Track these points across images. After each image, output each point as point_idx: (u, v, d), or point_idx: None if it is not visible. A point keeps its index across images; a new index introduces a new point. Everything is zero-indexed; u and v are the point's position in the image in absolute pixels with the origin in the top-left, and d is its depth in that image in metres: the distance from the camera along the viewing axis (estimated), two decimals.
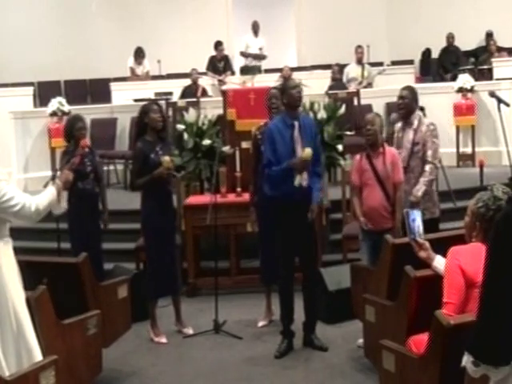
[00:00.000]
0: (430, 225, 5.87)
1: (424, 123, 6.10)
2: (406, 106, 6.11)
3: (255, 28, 13.57)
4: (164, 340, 6.21)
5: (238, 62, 13.73)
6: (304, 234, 5.75)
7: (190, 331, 6.33)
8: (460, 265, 3.74)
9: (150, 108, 6.14)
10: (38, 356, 3.88)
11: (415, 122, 6.10)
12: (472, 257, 3.69)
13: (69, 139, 6.72)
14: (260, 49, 13.48)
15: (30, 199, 4.02)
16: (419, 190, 5.97)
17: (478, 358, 2.64)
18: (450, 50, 13.98)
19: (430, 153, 6.03)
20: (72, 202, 6.62)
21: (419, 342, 4.08)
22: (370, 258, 5.74)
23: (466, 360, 2.70)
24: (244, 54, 13.58)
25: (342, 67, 12.23)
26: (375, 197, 5.81)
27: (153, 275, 6.20)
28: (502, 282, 2.60)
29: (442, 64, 13.92)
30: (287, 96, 5.71)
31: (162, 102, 9.47)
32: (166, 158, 6.01)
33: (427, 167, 6.02)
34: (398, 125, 6.24)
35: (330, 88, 11.06)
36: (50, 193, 4.18)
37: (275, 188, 5.68)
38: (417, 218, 3.92)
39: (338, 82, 11.72)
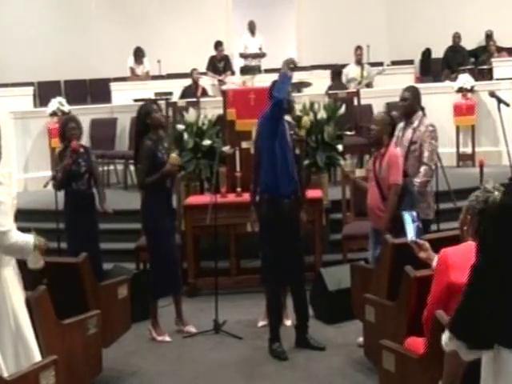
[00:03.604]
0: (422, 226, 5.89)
1: (423, 123, 6.11)
2: (406, 107, 6.16)
3: (251, 27, 13.54)
4: (168, 338, 6.23)
5: (237, 62, 13.73)
6: (296, 235, 5.83)
7: (192, 329, 6.35)
8: (449, 276, 3.77)
9: (151, 108, 6.17)
10: (36, 356, 3.88)
11: (416, 122, 6.13)
12: (463, 260, 3.70)
13: (62, 140, 6.76)
14: (259, 48, 13.45)
15: (14, 231, 3.89)
16: None
17: (459, 336, 2.66)
18: (457, 49, 13.93)
19: (426, 154, 6.02)
20: (67, 203, 6.65)
21: (415, 344, 4.09)
22: (372, 254, 5.84)
23: (444, 338, 2.74)
24: (243, 55, 13.57)
25: (341, 67, 12.23)
26: (372, 196, 5.86)
27: (156, 275, 6.23)
28: (493, 268, 2.62)
29: (447, 63, 13.85)
30: None
31: (162, 102, 9.50)
32: (174, 155, 6.07)
33: (422, 169, 6.01)
34: (401, 124, 6.25)
35: (329, 88, 11.06)
36: (27, 242, 4.01)
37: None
38: (415, 219, 3.92)
39: (336, 83, 11.70)
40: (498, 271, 2.59)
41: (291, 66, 5.74)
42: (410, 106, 6.14)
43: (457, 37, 13.85)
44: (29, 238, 4.02)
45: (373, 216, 5.86)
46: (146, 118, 6.14)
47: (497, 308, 2.59)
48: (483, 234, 2.74)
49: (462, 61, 13.66)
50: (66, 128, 6.68)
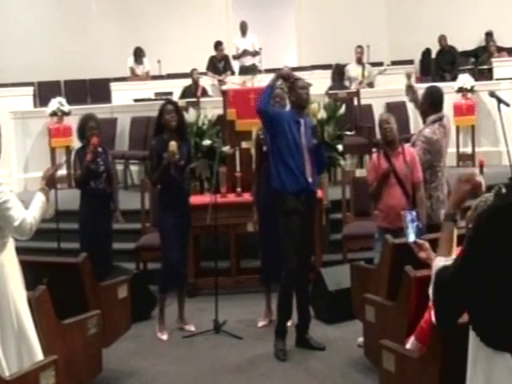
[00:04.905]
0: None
1: (423, 131, 6.03)
2: (420, 108, 6.17)
3: (243, 28, 13.45)
4: (164, 337, 6.26)
5: (237, 63, 13.72)
6: (306, 234, 5.79)
7: (192, 328, 6.38)
8: None
9: (164, 109, 6.26)
10: (39, 356, 3.88)
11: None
12: None
13: (81, 138, 6.79)
14: (252, 47, 13.34)
15: (27, 215, 3.88)
16: None
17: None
18: (445, 50, 13.97)
19: None
20: (84, 201, 6.67)
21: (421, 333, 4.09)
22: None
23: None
24: (235, 57, 13.54)
25: (341, 67, 12.22)
26: (394, 196, 5.79)
27: (163, 268, 6.32)
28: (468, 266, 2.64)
29: (439, 66, 13.91)
30: (296, 95, 5.78)
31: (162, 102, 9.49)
32: (172, 143, 6.09)
33: None
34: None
35: (330, 88, 11.06)
36: (40, 204, 4.00)
37: (287, 180, 5.71)
38: (415, 219, 3.92)
39: (336, 83, 11.69)
40: (472, 269, 2.61)
41: (285, 77, 5.85)
42: (421, 107, 6.12)
43: (442, 39, 13.87)
44: (37, 202, 4.00)
45: (394, 215, 5.54)
46: (160, 119, 6.27)
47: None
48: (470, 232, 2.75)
49: (453, 60, 13.68)
50: (86, 127, 6.71)
